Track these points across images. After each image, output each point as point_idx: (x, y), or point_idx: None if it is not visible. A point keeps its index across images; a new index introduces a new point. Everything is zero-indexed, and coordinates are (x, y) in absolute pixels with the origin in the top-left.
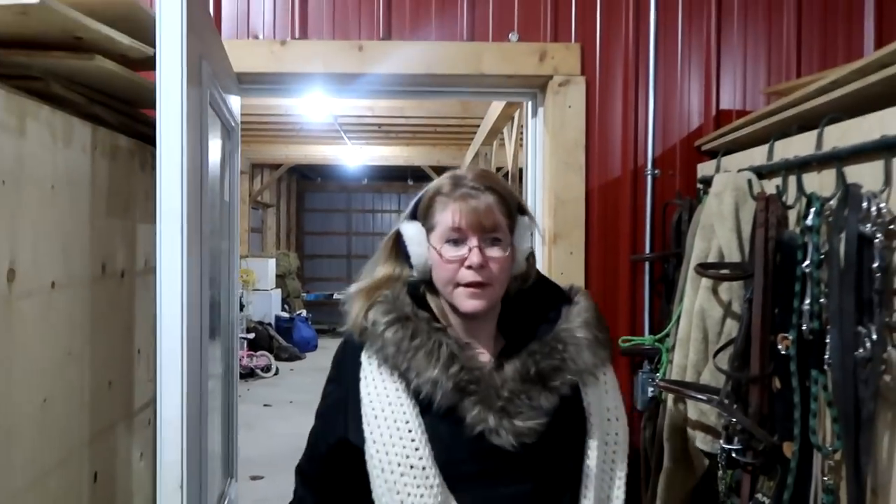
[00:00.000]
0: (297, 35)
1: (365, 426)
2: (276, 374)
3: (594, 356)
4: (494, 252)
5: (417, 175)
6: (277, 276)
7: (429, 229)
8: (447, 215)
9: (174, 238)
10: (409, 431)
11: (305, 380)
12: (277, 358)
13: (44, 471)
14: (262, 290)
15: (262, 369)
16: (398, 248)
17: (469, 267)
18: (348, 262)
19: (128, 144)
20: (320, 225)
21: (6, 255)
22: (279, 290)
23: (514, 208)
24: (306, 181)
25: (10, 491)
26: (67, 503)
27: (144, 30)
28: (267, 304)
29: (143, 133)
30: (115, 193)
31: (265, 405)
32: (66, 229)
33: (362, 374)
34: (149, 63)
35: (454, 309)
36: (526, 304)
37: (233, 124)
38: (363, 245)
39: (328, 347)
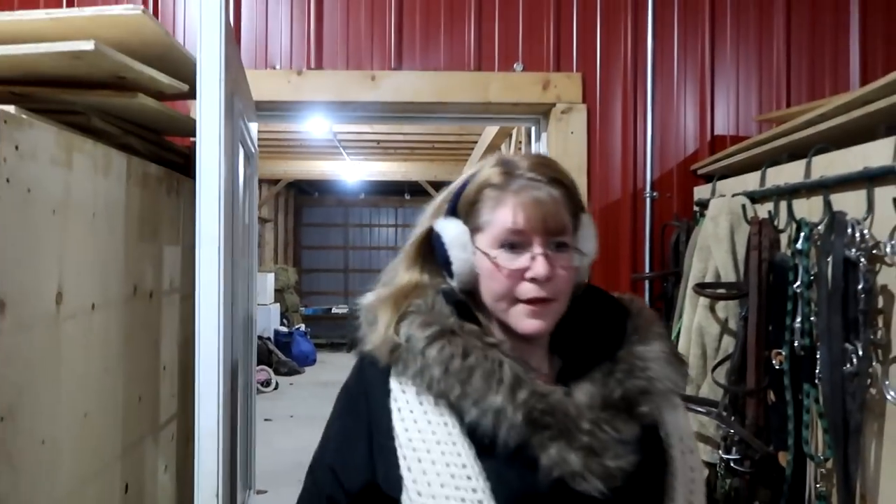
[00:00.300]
0: (312, 65)
1: (404, 472)
2: (275, 388)
3: (677, 373)
4: (562, 260)
5: (414, 190)
6: (276, 290)
7: (474, 230)
8: (503, 214)
9: (212, 261)
10: (468, 479)
11: (305, 394)
12: (277, 372)
13: (82, 481)
14: (260, 305)
15: (262, 384)
16: (428, 251)
17: (532, 280)
18: (345, 277)
19: (156, 172)
20: (318, 239)
21: (55, 279)
22: (278, 305)
23: (579, 204)
24: (304, 196)
25: (53, 499)
26: None
27: (178, 65)
28: (266, 319)
29: (169, 159)
30: (146, 218)
31: (266, 420)
32: (104, 254)
33: (394, 405)
34: (180, 94)
35: (503, 326)
36: (578, 316)
37: (253, 150)
38: (360, 259)
39: (327, 362)
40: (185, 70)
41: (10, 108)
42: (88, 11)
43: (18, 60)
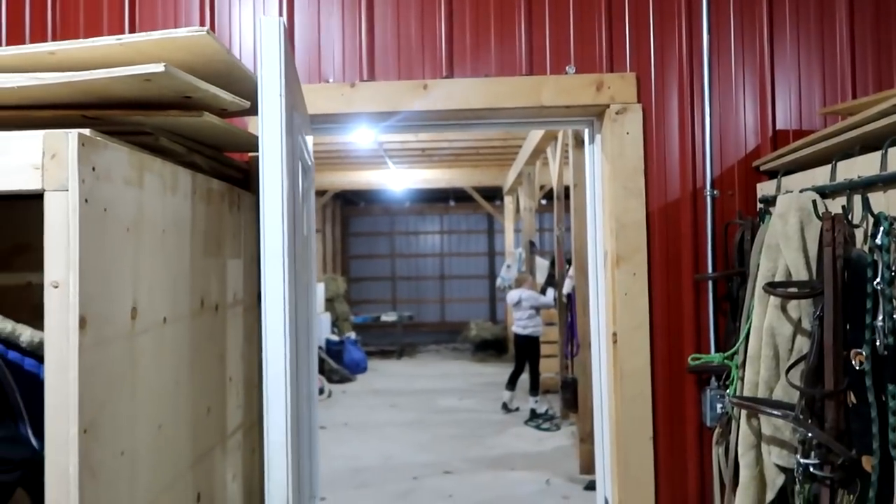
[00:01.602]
0: (364, 77)
1: None
2: (328, 396)
3: None
4: None
5: (459, 196)
6: (326, 299)
7: None
8: None
9: (277, 275)
10: None
11: (357, 402)
12: (329, 380)
13: (157, 492)
14: None
15: None
16: None
17: None
18: (393, 284)
19: (219, 187)
20: (365, 248)
21: (130, 294)
22: (328, 314)
23: None
24: (350, 206)
25: None
26: None
27: (238, 82)
28: (318, 328)
29: (229, 175)
30: (210, 233)
31: (320, 427)
32: (173, 269)
33: None
34: (239, 112)
35: None
36: None
37: (309, 163)
38: (407, 267)
39: (377, 369)
40: (245, 86)
41: (86, 132)
42: (156, 35)
43: (91, 85)
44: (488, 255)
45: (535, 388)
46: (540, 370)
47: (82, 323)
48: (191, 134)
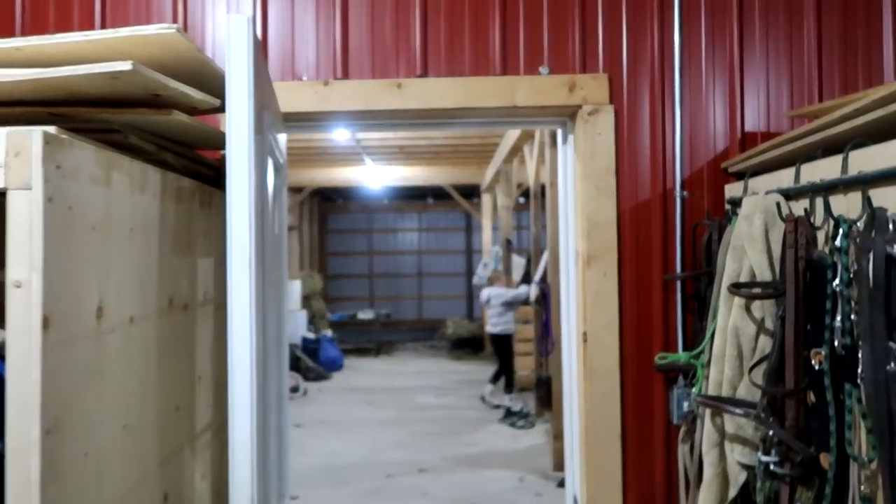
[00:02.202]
0: (339, 75)
1: None
2: (304, 394)
3: None
4: None
5: (437, 194)
6: (303, 297)
7: None
8: None
9: (243, 273)
10: None
11: (334, 399)
12: (305, 378)
13: (124, 492)
14: (288, 312)
15: (291, 390)
16: None
17: None
18: (370, 282)
19: (190, 186)
20: (343, 245)
21: (96, 294)
22: (305, 311)
23: None
24: (328, 203)
25: None
26: None
27: (210, 80)
28: (293, 325)
29: (201, 173)
30: (180, 232)
31: (296, 425)
32: (141, 268)
33: None
34: (210, 110)
35: None
36: None
37: (281, 161)
38: (385, 264)
39: (354, 367)
40: (216, 85)
41: (51, 129)
42: (124, 32)
43: (58, 82)
44: (466, 253)
45: (509, 386)
46: (514, 368)
47: (46, 323)
48: (161, 132)
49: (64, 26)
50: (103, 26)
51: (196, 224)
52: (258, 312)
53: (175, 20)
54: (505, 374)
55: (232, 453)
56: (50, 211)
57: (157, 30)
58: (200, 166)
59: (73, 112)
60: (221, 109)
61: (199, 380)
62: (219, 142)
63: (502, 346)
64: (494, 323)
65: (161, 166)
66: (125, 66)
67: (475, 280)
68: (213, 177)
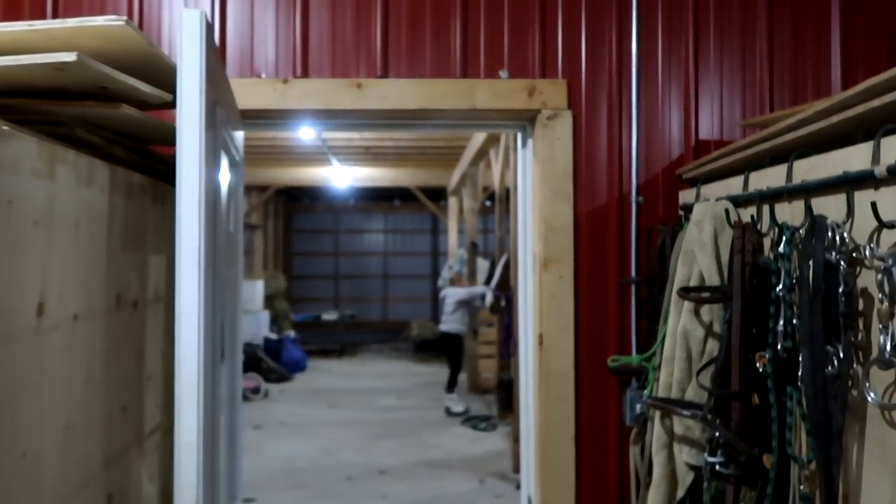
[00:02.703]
0: (298, 73)
1: None
2: (265, 395)
3: None
4: None
5: (404, 195)
6: (266, 297)
7: None
8: None
9: (192, 270)
10: None
11: (295, 401)
12: (266, 379)
13: (64, 495)
14: (250, 312)
15: (252, 391)
16: None
17: None
18: (336, 283)
19: (141, 181)
20: (308, 245)
21: (36, 290)
22: (267, 312)
23: None
24: (294, 202)
25: None
26: None
27: (162, 75)
28: (255, 326)
29: (154, 168)
30: (130, 228)
31: (255, 427)
32: (86, 265)
33: None
34: (164, 105)
35: None
36: None
37: (237, 159)
38: (350, 265)
39: (317, 368)
40: (169, 79)
41: None
42: (71, 22)
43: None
44: (432, 255)
45: (451, 385)
46: (462, 368)
47: None
48: (110, 126)
49: (13, 17)
50: (55, 16)
51: (148, 220)
52: (207, 310)
53: (130, 14)
54: (450, 372)
55: (177, 455)
56: None
57: (106, 21)
58: (153, 162)
59: (16, 103)
60: (174, 105)
61: (149, 380)
62: (171, 137)
63: (450, 345)
64: (444, 321)
65: (111, 161)
66: (70, 57)
67: (440, 282)
68: (168, 173)
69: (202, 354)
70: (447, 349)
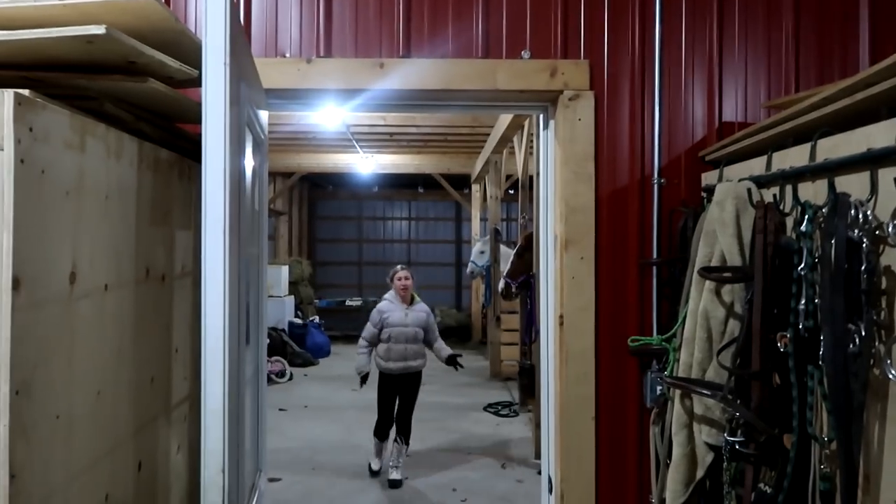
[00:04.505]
0: (321, 53)
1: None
2: (290, 379)
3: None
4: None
5: (428, 183)
6: (290, 282)
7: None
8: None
9: (217, 245)
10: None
11: (319, 385)
12: (291, 364)
13: (96, 458)
14: (275, 297)
15: (277, 374)
16: None
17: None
18: (359, 270)
19: (168, 157)
20: (331, 232)
21: (69, 259)
22: (292, 297)
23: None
24: (318, 189)
25: (69, 473)
26: (115, 489)
27: (189, 52)
28: (280, 311)
29: (181, 146)
30: (157, 203)
31: (280, 409)
32: (116, 236)
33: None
34: (190, 82)
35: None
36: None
37: (262, 137)
38: (374, 252)
39: (341, 353)
40: (195, 57)
41: (25, 92)
42: None
43: (32, 45)
44: (455, 243)
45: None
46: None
47: (16, 283)
48: (138, 101)
49: None
50: None
51: (174, 195)
52: (233, 279)
53: None
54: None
55: (204, 421)
56: (21, 172)
57: None
58: (180, 139)
59: (48, 77)
60: (200, 82)
61: (176, 352)
62: (197, 114)
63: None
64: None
65: (139, 136)
66: (99, 29)
67: (469, 268)
68: (194, 151)
69: (228, 322)
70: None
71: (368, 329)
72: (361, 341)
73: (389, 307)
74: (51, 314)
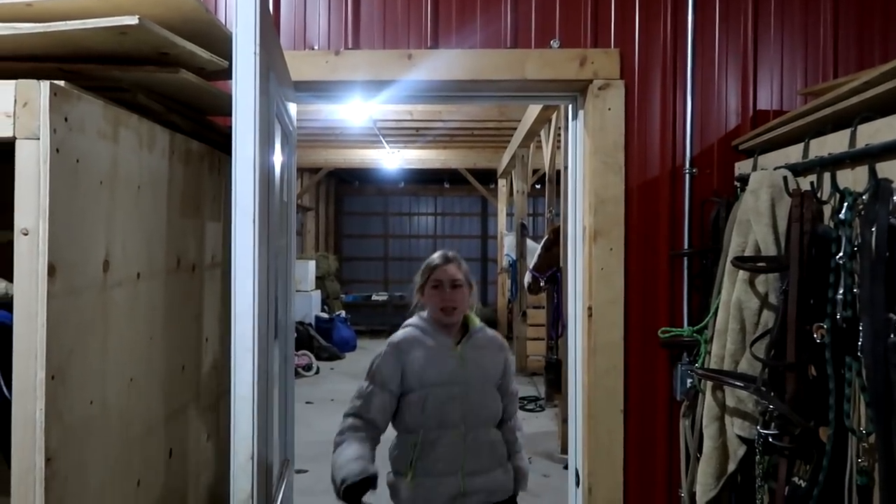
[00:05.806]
0: (349, 45)
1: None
2: (316, 373)
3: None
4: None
5: (454, 178)
6: (317, 277)
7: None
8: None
9: (247, 235)
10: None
11: (345, 379)
12: (318, 357)
13: (128, 443)
14: (302, 291)
15: (304, 368)
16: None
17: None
18: (385, 265)
19: (198, 149)
20: (358, 228)
21: (102, 247)
22: (319, 292)
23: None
24: (344, 185)
25: (103, 459)
26: (147, 475)
27: (219, 43)
28: (307, 305)
29: (211, 138)
30: (188, 194)
31: (307, 402)
32: (148, 226)
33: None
34: (220, 73)
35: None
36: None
37: (291, 129)
38: (400, 247)
39: (367, 348)
40: (225, 49)
41: (60, 83)
42: None
43: (67, 37)
44: (481, 238)
45: None
46: None
47: (51, 270)
48: (169, 93)
49: None
50: None
51: (205, 187)
52: (262, 267)
53: None
54: None
55: (234, 407)
56: (57, 161)
57: None
58: (210, 132)
59: (82, 68)
60: (230, 73)
61: (206, 341)
62: (227, 106)
63: None
64: None
65: (170, 128)
66: (132, 20)
67: (506, 261)
68: (224, 143)
69: (257, 309)
70: None
71: (365, 394)
72: (344, 423)
73: (417, 340)
74: (85, 301)
